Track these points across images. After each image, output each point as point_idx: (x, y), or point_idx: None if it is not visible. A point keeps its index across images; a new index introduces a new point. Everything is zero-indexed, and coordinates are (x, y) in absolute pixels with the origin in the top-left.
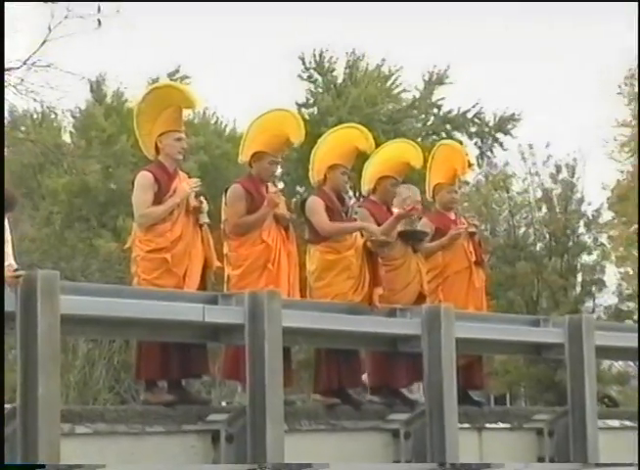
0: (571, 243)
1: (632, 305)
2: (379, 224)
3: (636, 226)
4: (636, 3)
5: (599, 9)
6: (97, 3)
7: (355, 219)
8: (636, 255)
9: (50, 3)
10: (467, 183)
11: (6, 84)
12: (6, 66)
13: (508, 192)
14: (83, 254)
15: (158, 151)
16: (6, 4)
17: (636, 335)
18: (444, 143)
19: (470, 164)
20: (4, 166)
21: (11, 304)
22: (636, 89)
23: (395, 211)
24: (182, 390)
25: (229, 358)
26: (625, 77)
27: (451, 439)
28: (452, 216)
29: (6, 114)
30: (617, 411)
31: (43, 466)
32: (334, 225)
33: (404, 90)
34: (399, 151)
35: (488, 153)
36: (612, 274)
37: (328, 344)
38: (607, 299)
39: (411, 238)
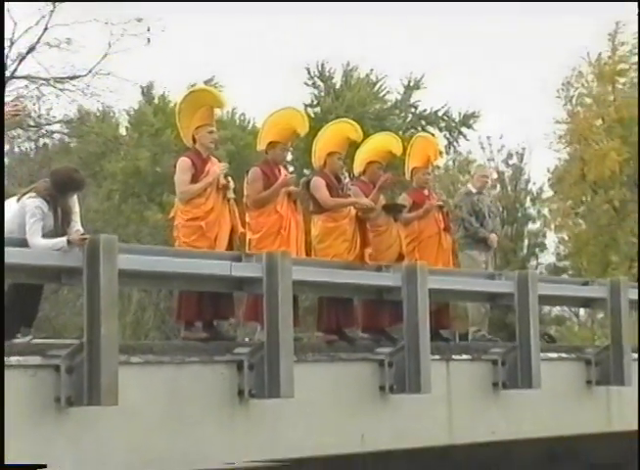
0: (519, 214)
1: (567, 263)
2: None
3: (570, 201)
4: (636, 3)
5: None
6: (147, 24)
7: (349, 195)
8: (571, 223)
9: (110, 24)
10: (438, 167)
11: (75, 88)
12: (75, 74)
13: (470, 173)
14: (136, 222)
15: (194, 141)
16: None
17: (571, 285)
18: (420, 135)
19: (441, 153)
20: (4, 166)
21: (79, 260)
22: (571, 93)
23: None
24: (214, 329)
25: (250, 304)
26: (562, 84)
27: (425, 367)
28: (426, 193)
29: (75, 111)
30: (554, 346)
31: (44, 466)
32: (333, 200)
33: (388, 93)
34: (384, 141)
35: (455, 143)
36: (551, 239)
37: (328, 293)
38: (547, 258)
39: (392, 210)
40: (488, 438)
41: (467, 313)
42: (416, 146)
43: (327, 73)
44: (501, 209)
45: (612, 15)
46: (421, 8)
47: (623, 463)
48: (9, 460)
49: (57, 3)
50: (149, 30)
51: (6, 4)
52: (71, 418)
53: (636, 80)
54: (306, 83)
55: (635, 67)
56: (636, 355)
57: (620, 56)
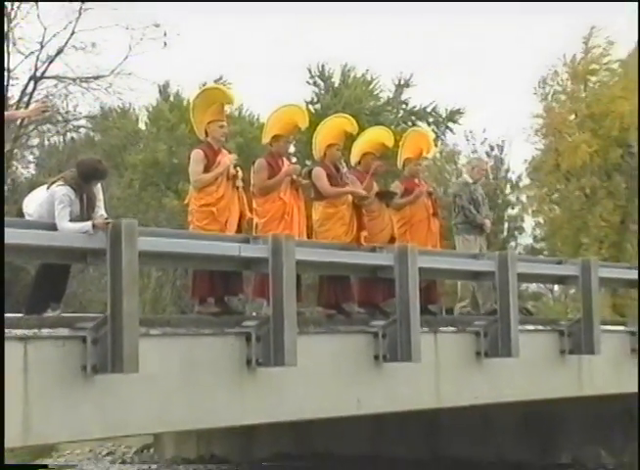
0: (500, 200)
1: (543, 244)
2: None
3: (546, 189)
4: (636, 3)
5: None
6: (164, 29)
7: (347, 183)
8: (546, 209)
9: (131, 29)
10: (427, 158)
11: (98, 87)
12: (99, 74)
13: (456, 164)
14: (154, 208)
15: (207, 134)
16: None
17: (546, 264)
18: (415, 129)
19: (435, 145)
20: (4, 164)
21: (103, 242)
22: (547, 90)
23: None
24: (224, 304)
25: (258, 282)
26: (539, 82)
27: (415, 338)
28: (417, 181)
29: (98, 108)
30: (531, 319)
31: (45, 466)
32: (333, 189)
33: (381, 91)
34: (377, 135)
35: (442, 137)
36: (528, 223)
37: (327, 272)
38: (525, 240)
39: (384, 197)
40: (472, 402)
41: (455, 290)
42: (410, 139)
43: (326, 73)
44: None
45: (587, 20)
46: (412, 14)
47: (593, 424)
48: (42, 422)
49: (83, 10)
50: (165, 35)
51: (37, 11)
52: (97, 385)
53: (606, 79)
54: (308, 82)
55: (605, 67)
56: (605, 327)
57: (592, 57)
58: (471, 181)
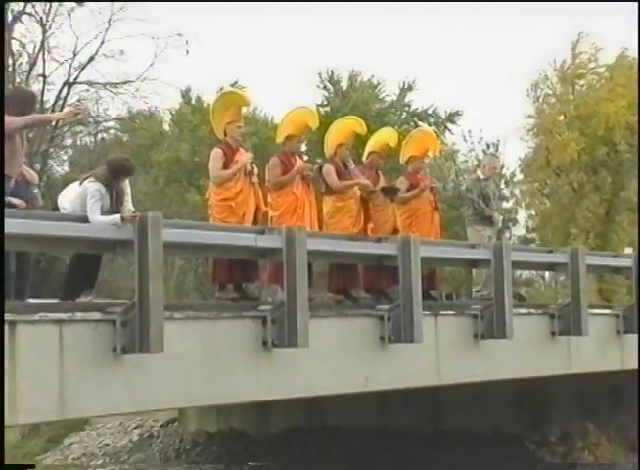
0: None
1: (534, 235)
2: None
3: (537, 184)
4: (636, 3)
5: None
6: (185, 39)
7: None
8: (538, 202)
9: (156, 39)
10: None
11: (126, 92)
12: (127, 79)
13: (455, 161)
14: (177, 203)
15: (225, 135)
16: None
17: (538, 253)
18: (420, 130)
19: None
20: (4, 161)
21: (131, 234)
22: (539, 93)
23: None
24: (242, 290)
25: (273, 270)
26: (531, 85)
27: (417, 321)
28: (420, 177)
29: (126, 111)
30: (524, 303)
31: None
32: (340, 183)
33: (387, 95)
34: (383, 135)
35: (442, 136)
36: (521, 215)
37: (336, 260)
38: (518, 231)
39: (389, 192)
40: (470, 379)
41: (454, 276)
42: (415, 138)
43: (335, 78)
44: None
45: (575, 27)
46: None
47: (581, 400)
48: (76, 398)
49: (112, 21)
50: (187, 44)
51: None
52: (126, 364)
53: (592, 83)
54: (318, 86)
55: (592, 71)
56: (592, 311)
57: (580, 62)
58: (482, 178)
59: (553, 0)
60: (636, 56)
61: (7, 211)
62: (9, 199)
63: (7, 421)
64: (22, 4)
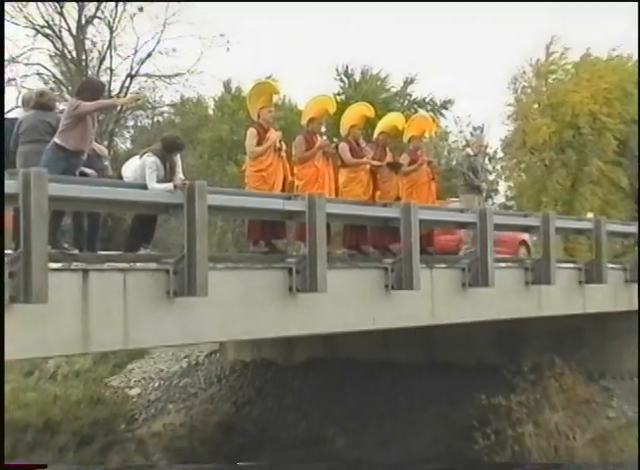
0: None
1: (513, 203)
2: (378, 158)
3: (515, 160)
4: (636, 3)
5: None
6: (227, 38)
7: (365, 155)
8: (515, 176)
9: (202, 39)
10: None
11: (177, 82)
12: (178, 72)
13: (447, 141)
14: (219, 174)
15: (259, 117)
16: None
17: (515, 217)
18: (420, 115)
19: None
20: (4, 159)
21: (181, 198)
22: (517, 85)
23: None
24: (272, 245)
25: (297, 229)
26: (511, 79)
27: (416, 272)
28: (419, 153)
29: (178, 98)
30: (503, 258)
31: (45, 466)
32: (353, 160)
33: (392, 87)
34: (392, 119)
35: (437, 120)
36: (502, 186)
37: (350, 221)
38: (499, 199)
39: (393, 167)
40: (459, 320)
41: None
42: (416, 121)
43: (349, 72)
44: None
45: (549, 31)
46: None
47: (549, 337)
48: (137, 331)
49: (166, 24)
50: (228, 42)
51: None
52: (177, 305)
53: (562, 77)
54: (335, 78)
55: (561, 68)
56: (559, 265)
57: (552, 60)
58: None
59: (533, 0)
60: (599, 55)
61: (82, 178)
62: (83, 169)
63: (81, 349)
64: (93, 10)
